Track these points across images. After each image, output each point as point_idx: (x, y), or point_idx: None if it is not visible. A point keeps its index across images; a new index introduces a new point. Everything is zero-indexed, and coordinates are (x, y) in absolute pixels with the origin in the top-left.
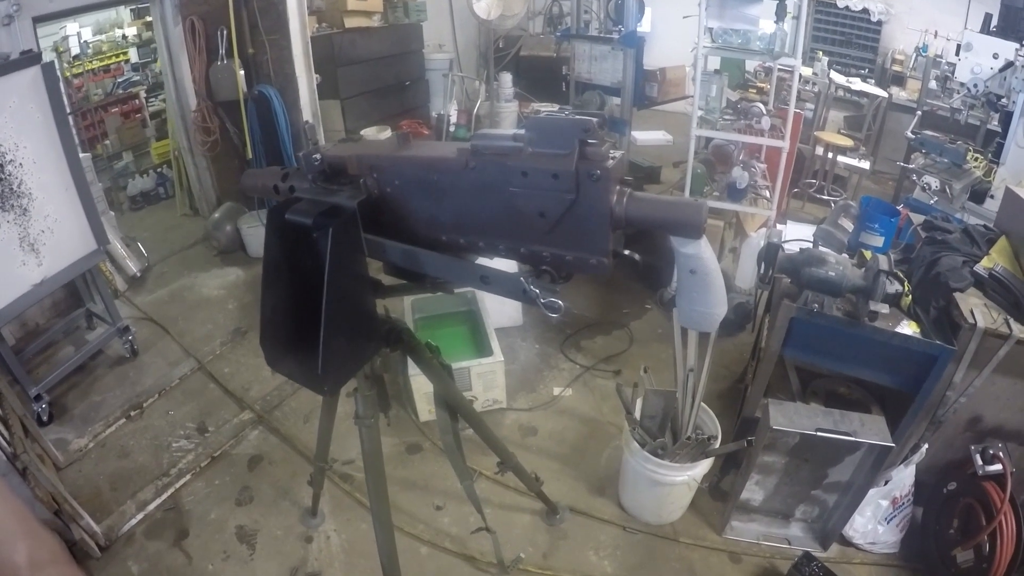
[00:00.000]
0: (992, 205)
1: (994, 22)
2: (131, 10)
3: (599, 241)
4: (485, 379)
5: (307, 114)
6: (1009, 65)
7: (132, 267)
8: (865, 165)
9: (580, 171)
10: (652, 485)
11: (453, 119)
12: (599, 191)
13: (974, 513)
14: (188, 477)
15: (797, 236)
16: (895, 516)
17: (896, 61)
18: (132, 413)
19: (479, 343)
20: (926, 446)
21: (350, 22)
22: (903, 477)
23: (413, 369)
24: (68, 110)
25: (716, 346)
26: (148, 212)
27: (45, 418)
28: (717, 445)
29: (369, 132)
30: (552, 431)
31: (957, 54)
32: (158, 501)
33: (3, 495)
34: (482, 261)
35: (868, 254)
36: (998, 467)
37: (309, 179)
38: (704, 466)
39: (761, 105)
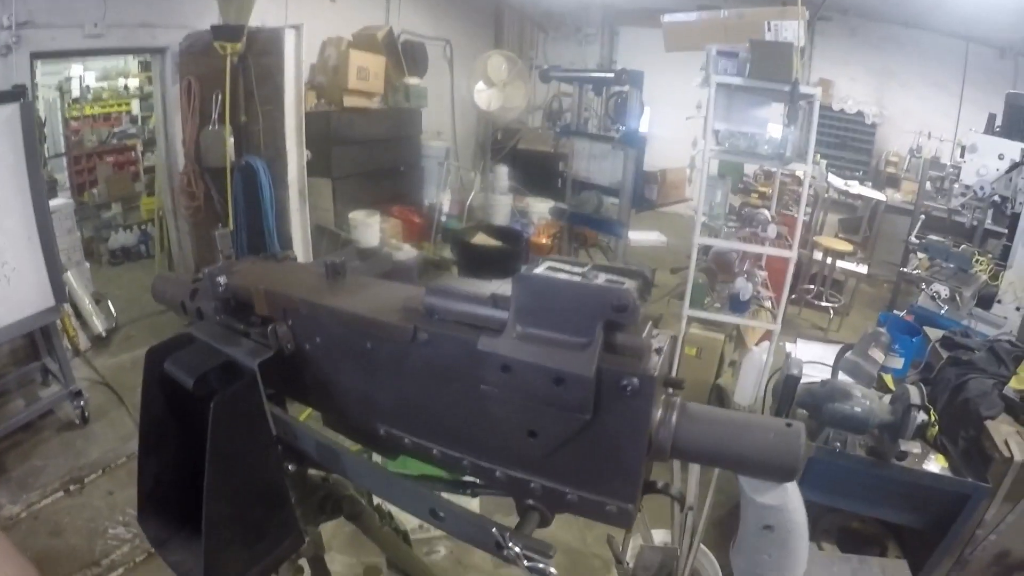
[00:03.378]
0: (999, 310)
1: (998, 122)
2: (139, 62)
3: (623, 481)
4: None
5: (294, 191)
6: (1016, 166)
7: (99, 325)
8: (863, 269)
9: (604, 377)
10: None
11: (446, 208)
12: (634, 411)
13: None
14: (120, 571)
15: (812, 359)
16: None
17: (890, 163)
18: (72, 487)
19: None
20: None
21: (349, 101)
22: None
23: None
24: (63, 151)
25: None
26: (126, 268)
27: None
28: None
29: (358, 216)
30: None
31: (962, 156)
32: None
33: None
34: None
35: (889, 378)
36: None
37: (211, 308)
38: None
39: (767, 212)
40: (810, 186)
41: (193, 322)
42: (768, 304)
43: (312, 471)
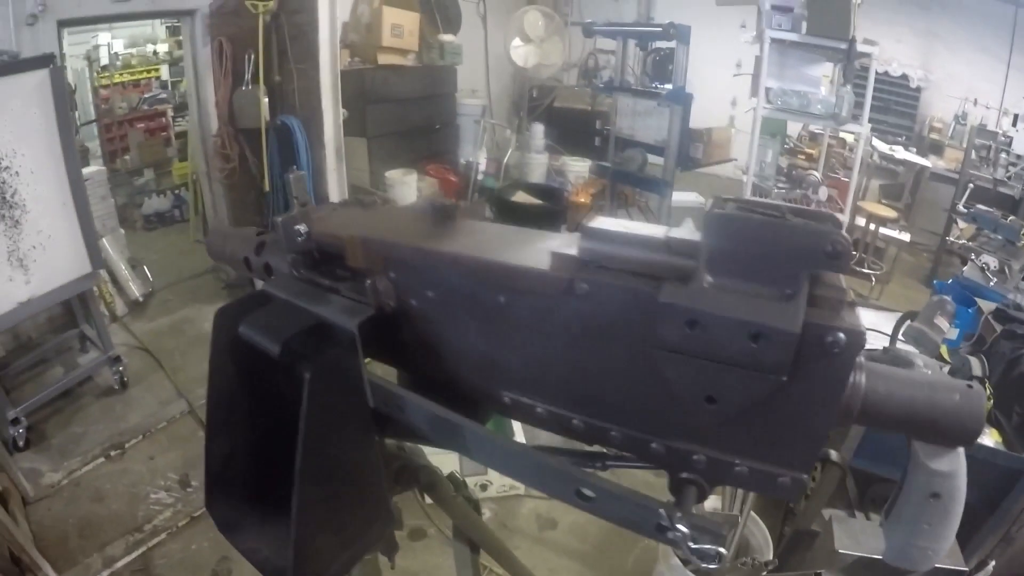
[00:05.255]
0: None
1: None
2: (166, 27)
3: (804, 449)
4: None
5: (330, 150)
6: None
7: (135, 291)
8: (905, 237)
9: (808, 333)
10: None
11: (482, 167)
12: (833, 372)
13: None
14: (163, 536)
15: (869, 326)
16: None
17: (934, 129)
18: (112, 453)
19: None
20: (993, 563)
21: (383, 59)
22: None
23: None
24: (94, 118)
25: None
26: (161, 234)
27: (21, 443)
28: (772, 569)
29: (394, 175)
30: (574, 524)
31: (1014, 124)
32: (127, 559)
33: None
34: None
35: (944, 349)
36: None
37: (288, 261)
38: None
39: (816, 174)
40: (853, 150)
41: (264, 280)
42: None
43: (388, 440)
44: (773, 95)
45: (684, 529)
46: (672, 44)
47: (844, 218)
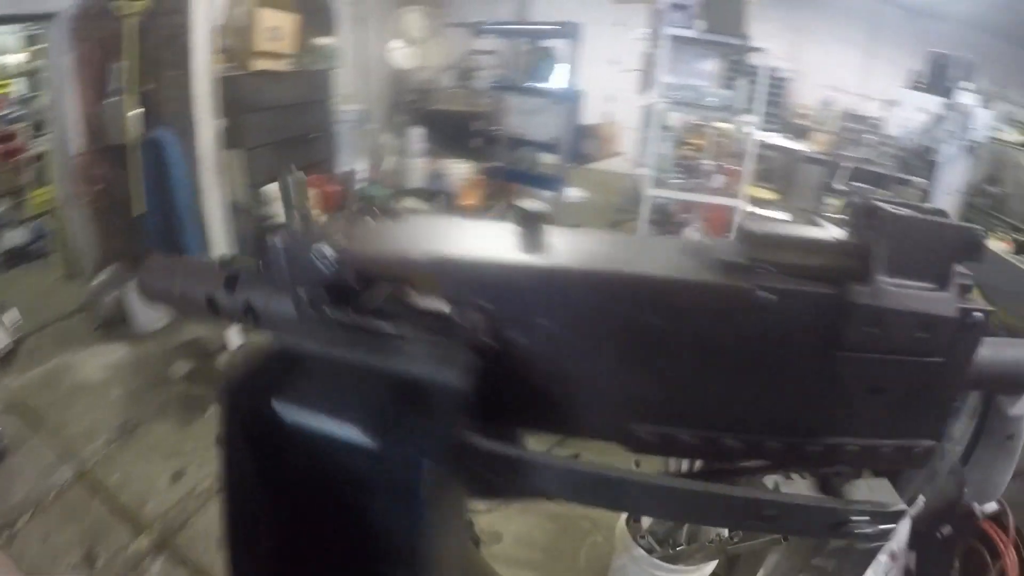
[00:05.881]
0: None
1: (919, 79)
2: (26, 37)
3: (936, 418)
4: None
5: (207, 165)
6: (939, 120)
7: (1, 340)
8: (786, 217)
9: (960, 318)
10: None
11: (361, 175)
12: (967, 346)
13: (976, 554)
14: None
15: None
16: (893, 569)
17: (800, 115)
18: (2, 535)
19: None
20: (922, 498)
21: (258, 64)
22: (900, 530)
23: None
24: None
25: None
26: (22, 271)
27: None
28: (737, 541)
29: (271, 190)
30: (519, 534)
31: (887, 110)
32: None
33: None
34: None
35: None
36: (994, 507)
37: (303, 296)
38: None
39: (709, 163)
40: (736, 139)
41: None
42: None
43: None
44: (668, 89)
45: (861, 518)
46: (554, 43)
47: (740, 203)
